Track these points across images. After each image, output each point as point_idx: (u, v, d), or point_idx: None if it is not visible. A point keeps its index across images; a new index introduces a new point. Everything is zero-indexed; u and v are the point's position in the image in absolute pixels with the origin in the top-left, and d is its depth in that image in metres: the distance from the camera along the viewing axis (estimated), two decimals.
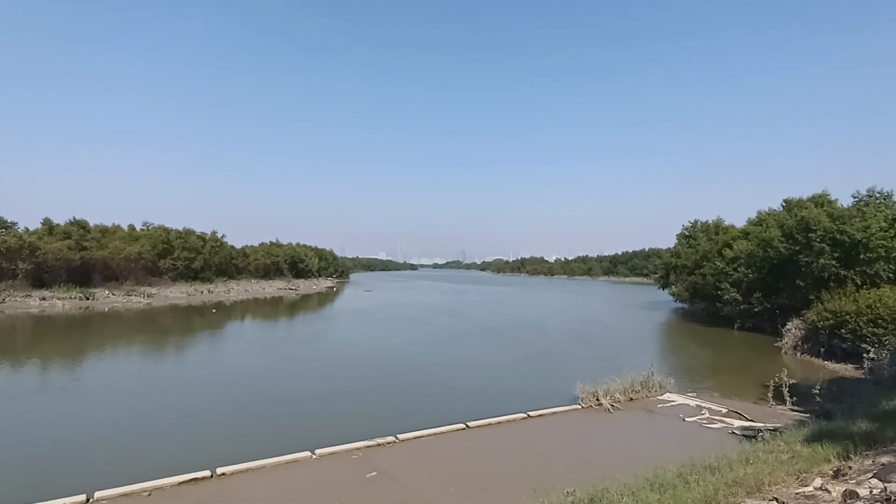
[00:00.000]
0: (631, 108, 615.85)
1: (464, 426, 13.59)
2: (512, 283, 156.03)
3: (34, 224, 63.49)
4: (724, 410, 15.87)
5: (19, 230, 58.93)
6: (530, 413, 14.88)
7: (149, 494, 8.99)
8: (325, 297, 75.44)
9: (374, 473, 10.27)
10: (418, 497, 9.30)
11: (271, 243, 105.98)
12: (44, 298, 51.42)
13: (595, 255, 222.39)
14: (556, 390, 17.89)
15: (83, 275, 59.58)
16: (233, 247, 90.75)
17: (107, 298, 56.29)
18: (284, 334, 36.42)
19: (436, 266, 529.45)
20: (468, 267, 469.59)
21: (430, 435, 12.87)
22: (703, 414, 15.45)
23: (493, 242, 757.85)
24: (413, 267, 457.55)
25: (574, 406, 16.03)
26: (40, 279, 55.40)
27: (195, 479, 9.78)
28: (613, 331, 39.69)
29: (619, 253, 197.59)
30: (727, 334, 36.60)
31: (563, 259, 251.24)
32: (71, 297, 53.25)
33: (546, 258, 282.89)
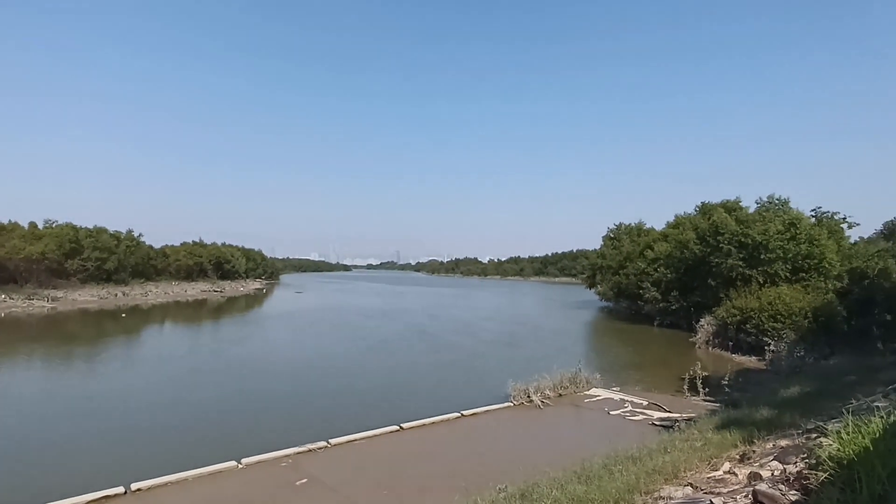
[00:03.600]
0: (567, 106, 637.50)
1: (398, 428, 13.50)
2: (446, 283, 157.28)
3: None
4: (645, 403, 16.81)
5: None
6: (464, 412, 15.03)
7: None
8: (253, 300, 72.51)
9: (304, 480, 9.97)
10: (350, 501, 9.13)
11: (194, 243, 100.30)
12: None
13: (527, 256, 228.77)
14: (490, 390, 18.21)
15: None
16: (151, 247, 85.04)
17: (3, 303, 51.00)
18: (207, 339, 34.60)
19: (370, 267, 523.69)
20: (403, 268, 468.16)
21: (362, 438, 12.67)
22: (626, 407, 16.27)
23: (427, 244, 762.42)
24: (346, 268, 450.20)
25: (506, 404, 16.37)
26: None
27: (107, 497, 9.08)
28: (544, 331, 40.96)
29: (550, 254, 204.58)
30: (648, 331, 38.79)
31: (496, 260, 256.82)
32: None
33: (479, 259, 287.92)
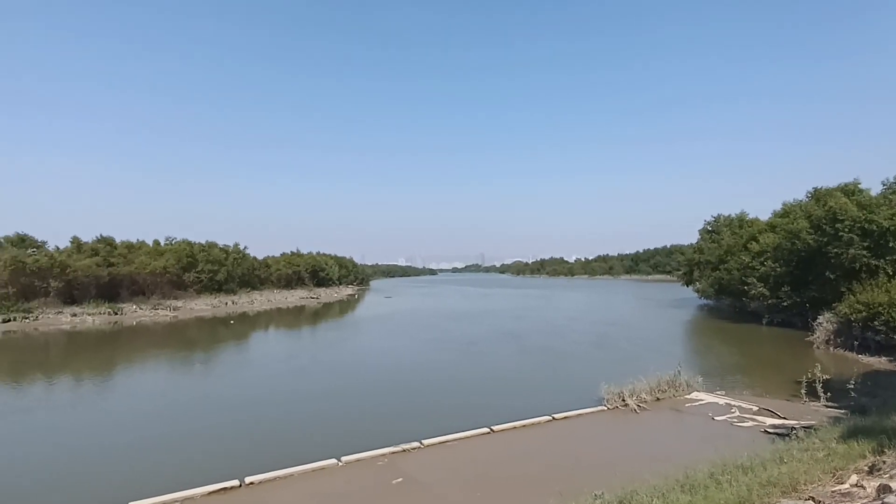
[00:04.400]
0: (647, 99, 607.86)
1: (488, 430, 13.52)
2: (532, 284, 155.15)
3: (63, 242, 65.45)
4: (755, 408, 15.50)
5: (49, 249, 60.79)
6: (555, 416, 14.73)
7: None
8: (347, 305, 76.01)
9: (400, 480, 10.28)
10: (445, 501, 9.27)
11: (292, 253, 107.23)
12: (75, 314, 52.81)
13: (615, 254, 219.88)
14: (581, 393, 17.68)
15: (111, 290, 61.09)
16: (255, 258, 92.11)
17: (134, 313, 57.57)
18: (307, 343, 36.77)
19: (455, 270, 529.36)
20: (487, 270, 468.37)
21: (454, 440, 12.83)
22: (733, 412, 15.11)
23: (511, 245, 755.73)
24: (432, 272, 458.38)
25: (600, 408, 15.83)
26: (71, 296, 56.94)
27: (224, 489, 9.90)
28: (637, 331, 39.11)
29: (640, 251, 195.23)
30: (755, 330, 35.77)
31: (583, 259, 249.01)
32: (100, 313, 54.55)
33: (566, 258, 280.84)
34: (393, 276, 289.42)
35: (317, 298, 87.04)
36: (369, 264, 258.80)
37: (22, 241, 61.01)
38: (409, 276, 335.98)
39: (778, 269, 35.80)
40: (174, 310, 60.62)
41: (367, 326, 45.73)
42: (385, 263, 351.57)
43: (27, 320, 49.71)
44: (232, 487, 10.00)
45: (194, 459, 12.53)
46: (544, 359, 26.59)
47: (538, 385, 20.76)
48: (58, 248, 62.50)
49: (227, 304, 69.58)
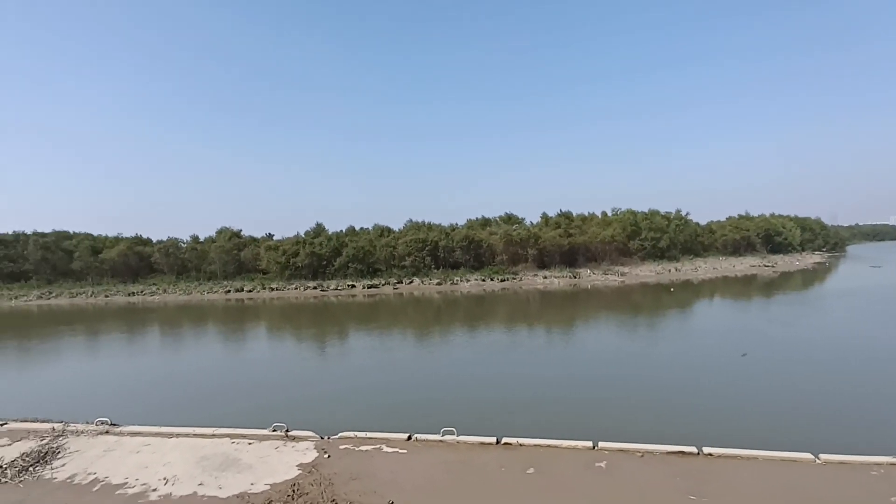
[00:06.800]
0: None
1: None
2: None
3: (535, 218, 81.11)
4: None
5: (527, 224, 76.47)
6: None
7: (641, 455, 10.05)
8: (812, 276, 63.48)
9: None
10: None
11: (740, 217, 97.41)
12: (545, 277, 64.79)
13: None
14: None
15: (571, 257, 71.59)
16: (697, 224, 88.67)
17: (589, 277, 65.59)
18: (756, 316, 32.92)
19: None
20: None
21: None
22: None
23: None
24: None
25: None
26: (542, 262, 69.96)
27: (682, 453, 10.23)
28: None
29: None
30: None
31: None
32: (563, 276, 64.94)
33: None
34: (882, 240, 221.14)
35: (772, 266, 76.47)
36: (844, 226, 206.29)
37: (509, 218, 79.43)
38: None
39: None
40: (621, 275, 65.64)
41: (840, 304, 36.98)
42: (868, 224, 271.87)
43: (515, 280, 64.40)
44: (689, 453, 10.22)
45: (655, 419, 13.47)
46: None
47: None
48: (531, 223, 77.94)
49: (669, 270, 70.06)
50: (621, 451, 10.28)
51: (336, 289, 63.10)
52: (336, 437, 11.30)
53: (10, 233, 77.62)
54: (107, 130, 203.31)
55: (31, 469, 9.69)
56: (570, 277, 64.81)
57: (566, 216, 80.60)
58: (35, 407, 14.86)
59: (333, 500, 8.23)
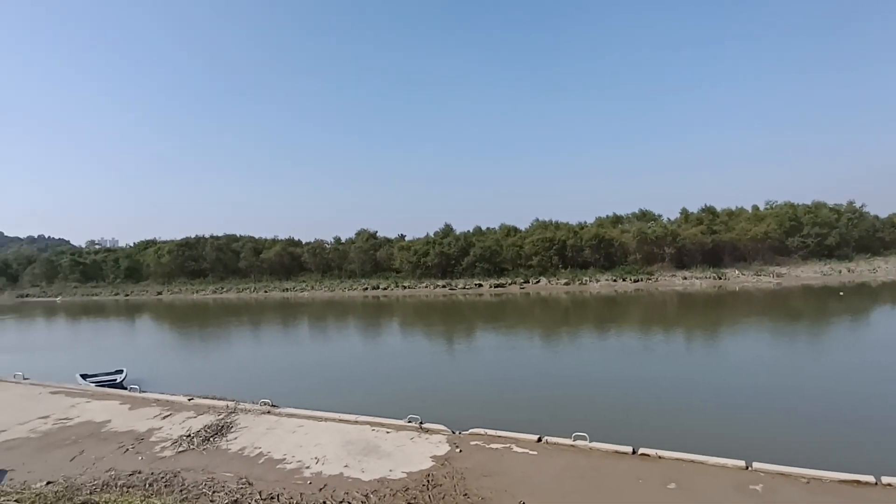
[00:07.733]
0: None
1: None
2: None
3: (674, 214, 75.15)
4: None
5: (664, 221, 71.18)
6: None
7: (807, 482, 8.84)
8: None
9: None
10: None
11: None
12: (685, 277, 59.79)
13: None
14: None
15: (714, 256, 65.21)
16: (876, 217, 75.17)
17: (737, 278, 59.17)
18: None
19: None
20: None
21: None
22: None
23: None
24: None
25: None
26: (681, 261, 64.66)
27: (857, 482, 8.85)
28: None
29: None
30: None
31: None
32: (706, 277, 59.37)
33: None
34: None
35: None
36: None
37: (643, 215, 74.57)
38: None
39: None
40: (777, 276, 58.23)
41: None
42: None
43: (650, 281, 60.35)
44: (866, 483, 8.80)
45: (826, 441, 11.81)
46: None
47: None
48: (669, 220, 72.35)
49: (840, 272, 60.51)
50: (781, 474, 9.14)
51: (464, 287, 64.55)
52: (466, 432, 11.55)
53: (193, 236, 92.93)
54: (270, 151, 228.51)
55: (211, 439, 11.29)
56: (715, 278, 59.06)
57: (710, 211, 73.47)
58: (212, 385, 17.33)
59: (465, 494, 8.44)
